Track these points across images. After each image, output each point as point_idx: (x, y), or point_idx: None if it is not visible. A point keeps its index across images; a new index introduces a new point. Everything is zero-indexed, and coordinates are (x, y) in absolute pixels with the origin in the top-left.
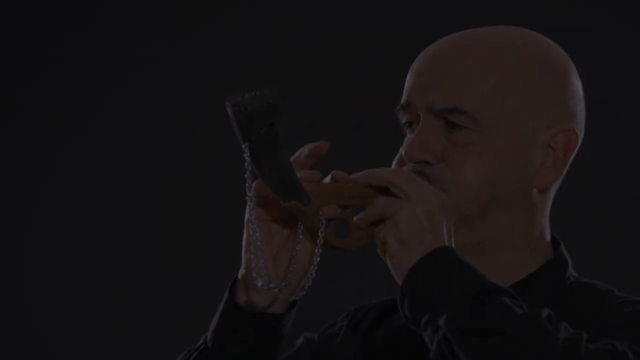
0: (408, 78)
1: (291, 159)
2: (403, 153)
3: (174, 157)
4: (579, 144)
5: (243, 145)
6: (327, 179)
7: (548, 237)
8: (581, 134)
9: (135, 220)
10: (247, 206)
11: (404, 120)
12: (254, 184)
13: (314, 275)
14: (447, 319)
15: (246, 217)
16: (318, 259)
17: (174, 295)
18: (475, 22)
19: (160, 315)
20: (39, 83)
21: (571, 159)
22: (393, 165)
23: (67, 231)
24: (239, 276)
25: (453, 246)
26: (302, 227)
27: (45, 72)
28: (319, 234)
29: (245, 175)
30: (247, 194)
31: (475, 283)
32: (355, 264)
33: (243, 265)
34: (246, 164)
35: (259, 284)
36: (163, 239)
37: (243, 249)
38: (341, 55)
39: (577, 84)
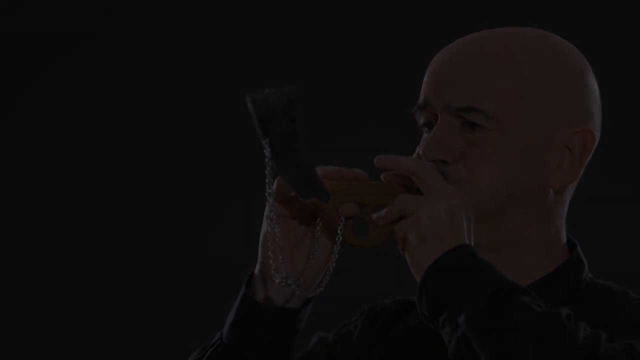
0: (425, 78)
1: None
2: (421, 152)
3: (185, 154)
4: (596, 144)
5: (263, 141)
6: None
7: (564, 239)
8: (597, 135)
9: (147, 217)
10: (267, 202)
11: (422, 120)
12: (275, 181)
13: (331, 271)
14: (467, 316)
15: (266, 212)
16: (336, 257)
17: (187, 292)
18: (489, 24)
19: (172, 313)
20: (46, 87)
21: (588, 160)
22: None
23: (84, 230)
24: (256, 271)
25: (472, 245)
26: (320, 224)
27: (52, 76)
28: (338, 232)
29: (266, 172)
30: (267, 190)
31: (495, 281)
32: (370, 263)
33: (260, 260)
34: (266, 160)
35: (277, 280)
36: (176, 235)
37: (260, 244)
38: (355, 54)
39: (593, 85)
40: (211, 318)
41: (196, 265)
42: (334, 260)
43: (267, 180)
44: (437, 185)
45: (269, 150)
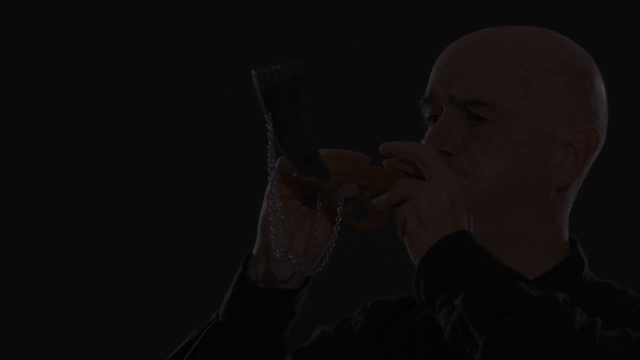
0: (432, 72)
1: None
2: (424, 143)
3: (177, 140)
4: (601, 145)
5: (266, 115)
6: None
7: (566, 237)
8: (603, 136)
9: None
10: (269, 177)
11: (427, 114)
12: (277, 160)
13: (331, 252)
14: (463, 299)
15: (267, 190)
16: (336, 237)
17: (189, 275)
18: (495, 23)
19: (174, 297)
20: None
21: (592, 159)
22: None
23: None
24: (254, 251)
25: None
26: (320, 205)
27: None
28: (337, 212)
29: (267, 146)
30: (269, 164)
31: (493, 266)
32: (373, 258)
33: (258, 240)
34: (268, 134)
35: (278, 254)
36: (177, 220)
37: (260, 224)
38: (364, 45)
39: (601, 87)
40: (208, 303)
41: (194, 253)
42: (334, 241)
43: (268, 155)
44: (440, 171)
45: (271, 124)
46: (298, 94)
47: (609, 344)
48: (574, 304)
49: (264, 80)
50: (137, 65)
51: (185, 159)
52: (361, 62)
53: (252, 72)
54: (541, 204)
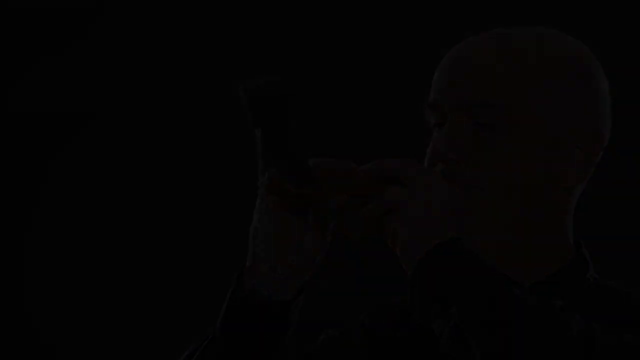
0: (435, 77)
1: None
2: (429, 151)
3: (177, 152)
4: (605, 144)
5: (255, 130)
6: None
7: (571, 238)
8: (607, 135)
9: (139, 216)
10: (258, 193)
11: (432, 121)
12: (267, 172)
13: (319, 262)
14: (459, 309)
15: (257, 204)
16: (327, 247)
17: (183, 290)
18: (495, 25)
19: (170, 310)
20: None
21: (597, 160)
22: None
23: (68, 232)
24: (247, 264)
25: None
26: (311, 216)
27: (37, 73)
28: (329, 222)
29: (258, 162)
30: (259, 180)
31: (487, 274)
32: (376, 261)
33: (250, 253)
34: (258, 149)
35: (265, 269)
36: (173, 233)
37: (250, 237)
38: (363, 52)
39: (604, 86)
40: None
41: (193, 261)
42: (325, 250)
43: (259, 169)
44: (425, 180)
45: (261, 140)
46: (287, 108)
47: (608, 350)
48: (572, 310)
49: (252, 96)
50: None
51: (178, 168)
52: (352, 67)
53: (240, 87)
54: (546, 206)
